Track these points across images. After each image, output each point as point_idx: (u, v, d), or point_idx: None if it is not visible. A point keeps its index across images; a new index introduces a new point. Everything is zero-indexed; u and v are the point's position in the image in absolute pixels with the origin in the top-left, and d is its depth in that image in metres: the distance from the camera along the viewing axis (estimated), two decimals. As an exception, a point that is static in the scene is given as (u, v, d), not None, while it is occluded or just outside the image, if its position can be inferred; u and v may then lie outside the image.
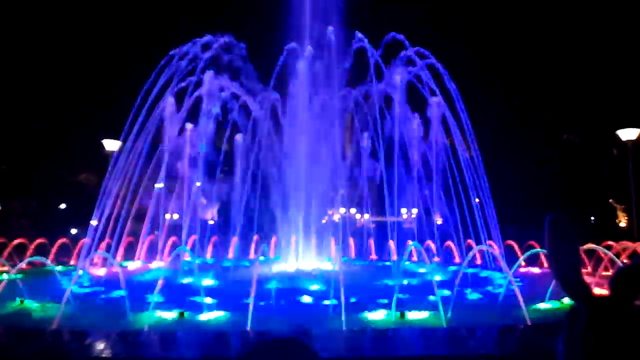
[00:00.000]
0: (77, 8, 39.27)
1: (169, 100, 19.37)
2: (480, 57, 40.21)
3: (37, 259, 14.01)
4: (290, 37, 19.68)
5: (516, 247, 18.86)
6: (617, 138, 30.28)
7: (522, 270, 17.82)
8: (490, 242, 18.42)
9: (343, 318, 8.96)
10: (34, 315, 10.32)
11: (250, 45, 20.96)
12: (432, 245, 18.66)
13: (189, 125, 21.12)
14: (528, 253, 13.88)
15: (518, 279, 14.76)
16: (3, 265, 14.39)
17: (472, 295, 12.61)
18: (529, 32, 41.03)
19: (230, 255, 20.67)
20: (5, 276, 11.09)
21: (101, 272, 16.57)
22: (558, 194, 38.10)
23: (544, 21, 41.35)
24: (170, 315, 9.87)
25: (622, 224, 43.00)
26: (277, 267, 16.27)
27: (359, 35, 19.90)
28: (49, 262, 14.10)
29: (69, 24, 38.63)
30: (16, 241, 17.67)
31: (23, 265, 12.07)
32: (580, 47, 39.09)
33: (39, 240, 18.38)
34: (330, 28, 19.67)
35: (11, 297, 11.09)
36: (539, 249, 14.87)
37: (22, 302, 11.10)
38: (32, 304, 10.92)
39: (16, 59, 36.60)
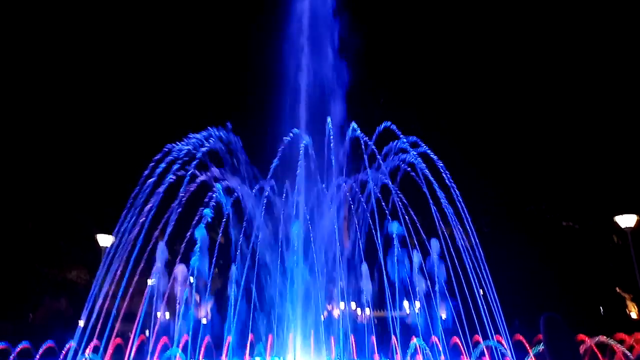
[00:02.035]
0: (70, 97, 39.95)
1: (160, 247, 19.35)
2: (475, 147, 40.76)
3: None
4: (287, 128, 20.05)
5: (524, 341, 17.95)
6: (616, 224, 29.90)
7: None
8: (498, 337, 17.57)
9: None
10: None
11: (247, 137, 21.37)
12: (437, 342, 17.76)
13: (179, 268, 20.66)
14: (537, 348, 13.12)
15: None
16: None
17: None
18: (524, 120, 41.66)
19: (224, 356, 19.60)
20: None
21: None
22: (562, 283, 37.23)
23: (540, 108, 41.95)
24: None
25: (633, 314, 41.30)
26: None
27: (354, 125, 20.48)
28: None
29: (61, 116, 38.96)
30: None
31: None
32: (576, 133, 39.59)
33: (23, 346, 17.37)
34: (329, 119, 20.26)
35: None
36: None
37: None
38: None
39: (10, 155, 36.72)
